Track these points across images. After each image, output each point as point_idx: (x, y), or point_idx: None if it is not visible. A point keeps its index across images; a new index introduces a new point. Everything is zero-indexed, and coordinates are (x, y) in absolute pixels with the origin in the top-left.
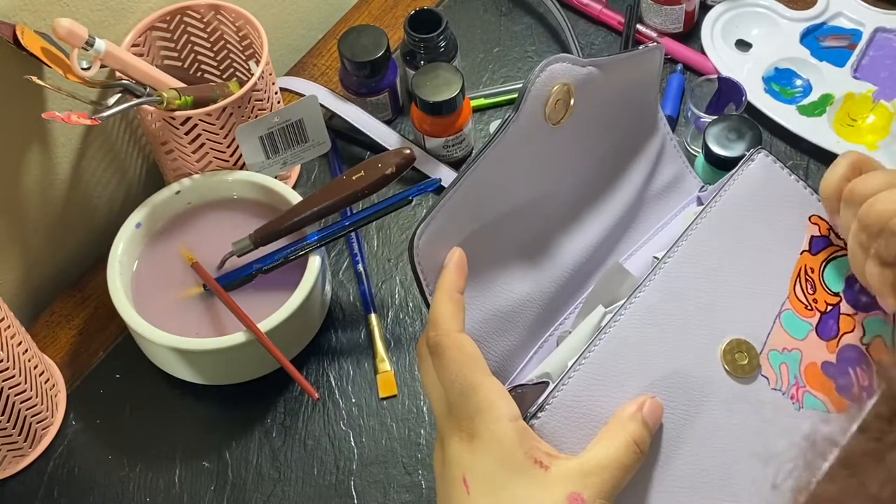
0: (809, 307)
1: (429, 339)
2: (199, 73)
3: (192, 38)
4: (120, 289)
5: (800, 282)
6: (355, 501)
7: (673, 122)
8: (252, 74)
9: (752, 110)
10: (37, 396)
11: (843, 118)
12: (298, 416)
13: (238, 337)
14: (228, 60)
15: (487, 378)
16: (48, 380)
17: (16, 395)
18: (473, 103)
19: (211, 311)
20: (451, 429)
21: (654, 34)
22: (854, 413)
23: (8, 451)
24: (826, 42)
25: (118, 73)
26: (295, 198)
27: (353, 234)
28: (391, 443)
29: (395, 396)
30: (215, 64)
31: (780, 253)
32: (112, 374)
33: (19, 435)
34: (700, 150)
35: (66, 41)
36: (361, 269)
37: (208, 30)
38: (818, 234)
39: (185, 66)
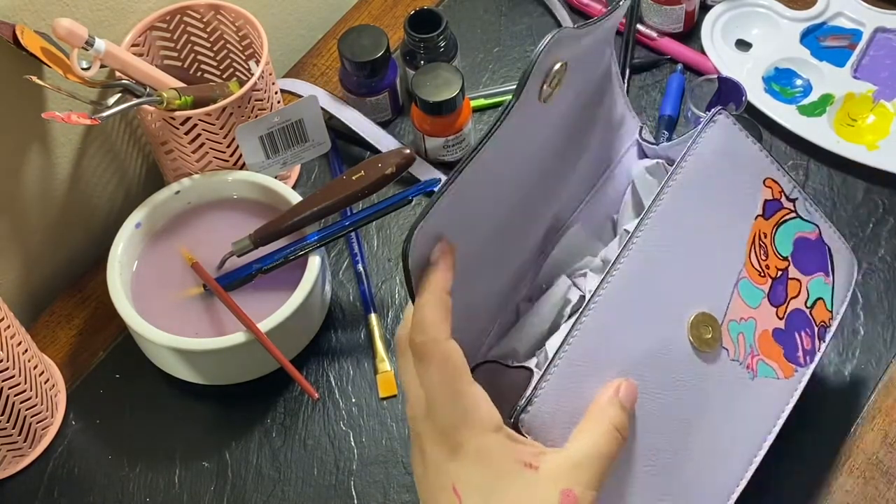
0: (762, 273)
1: (413, 341)
2: (199, 73)
3: (192, 38)
4: (120, 289)
5: (754, 248)
6: (355, 501)
7: (673, 122)
8: (252, 74)
9: (752, 110)
10: (37, 396)
11: (844, 118)
12: (298, 416)
13: (238, 337)
14: (228, 60)
15: (471, 387)
16: (48, 380)
17: (16, 395)
18: (473, 103)
19: (211, 311)
20: (432, 435)
21: (654, 34)
22: (798, 377)
23: (8, 451)
24: (826, 42)
25: (118, 73)
26: (295, 198)
27: (353, 234)
28: (391, 443)
29: (395, 396)
30: (215, 64)
31: (738, 218)
32: (112, 374)
33: (19, 435)
34: None
35: (65, 41)
36: (361, 269)
37: (208, 30)
38: (771, 197)
39: (185, 66)
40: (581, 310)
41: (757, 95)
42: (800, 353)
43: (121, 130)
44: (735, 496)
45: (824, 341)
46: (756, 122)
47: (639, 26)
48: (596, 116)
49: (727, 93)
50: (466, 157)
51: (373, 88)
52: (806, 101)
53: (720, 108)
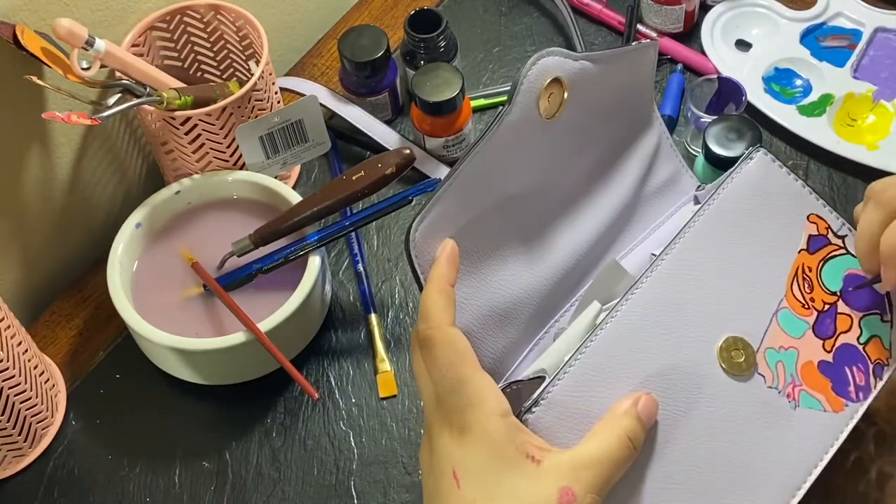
0: (806, 306)
1: (419, 332)
2: (199, 73)
3: (192, 38)
4: (120, 289)
5: (797, 280)
6: (355, 501)
7: (673, 122)
8: (252, 74)
9: (752, 110)
10: (37, 396)
11: (843, 118)
12: (298, 416)
13: (238, 337)
14: (228, 60)
15: (477, 372)
16: (48, 380)
17: (16, 395)
18: (473, 103)
19: (211, 311)
20: (439, 422)
21: (653, 34)
22: (850, 412)
23: (8, 451)
24: (826, 42)
25: (118, 73)
26: (295, 198)
27: (353, 234)
28: (391, 443)
29: (395, 396)
30: (215, 64)
31: (777, 251)
32: (112, 374)
33: (19, 435)
34: (700, 150)
35: (66, 41)
36: (361, 269)
37: (208, 30)
38: (816, 233)
39: (185, 66)
40: (600, 322)
41: (757, 95)
42: (851, 388)
43: (121, 130)
44: None
45: (881, 379)
46: (756, 122)
47: (639, 26)
48: (631, 162)
49: (727, 93)
50: (463, 157)
51: (373, 88)
52: (806, 102)
53: (759, 145)
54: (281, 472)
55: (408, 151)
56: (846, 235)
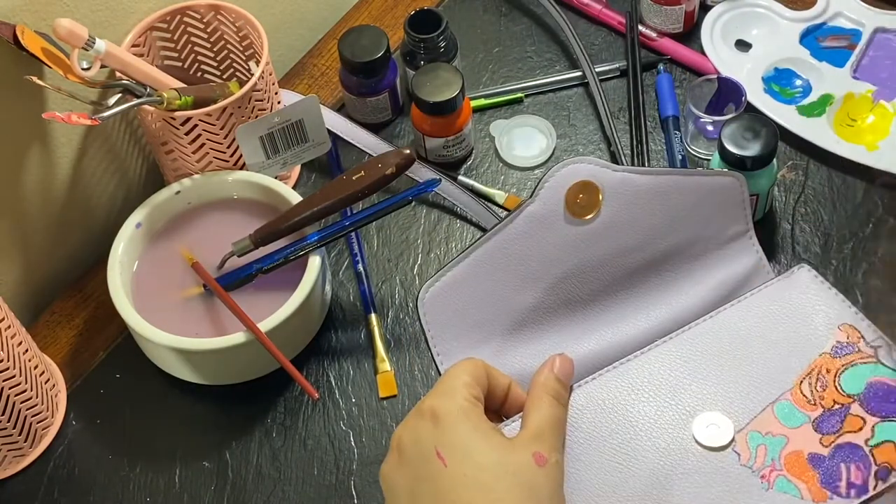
0: (813, 402)
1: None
2: (199, 73)
3: (193, 39)
4: (120, 289)
5: (810, 379)
6: (355, 501)
7: (675, 121)
8: (252, 74)
9: (752, 110)
10: (37, 396)
11: (843, 118)
12: (298, 416)
13: (238, 337)
14: (228, 60)
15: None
16: (48, 380)
17: (16, 395)
18: (473, 103)
19: (211, 311)
20: (414, 416)
21: (654, 34)
22: None
23: (8, 451)
24: (826, 42)
25: (118, 74)
26: (295, 198)
27: (353, 234)
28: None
29: (395, 396)
30: (215, 64)
31: (797, 351)
32: (112, 374)
33: (19, 435)
34: (700, 150)
35: (66, 41)
36: (361, 269)
37: (208, 30)
38: (845, 341)
39: (185, 66)
40: (590, 379)
41: (757, 96)
42: (842, 484)
43: (121, 131)
44: None
45: (884, 482)
46: (770, 120)
47: (639, 26)
48: (722, 290)
49: (727, 93)
50: (483, 236)
51: (373, 88)
52: (805, 102)
53: (804, 264)
54: (281, 472)
55: (408, 151)
56: (879, 346)
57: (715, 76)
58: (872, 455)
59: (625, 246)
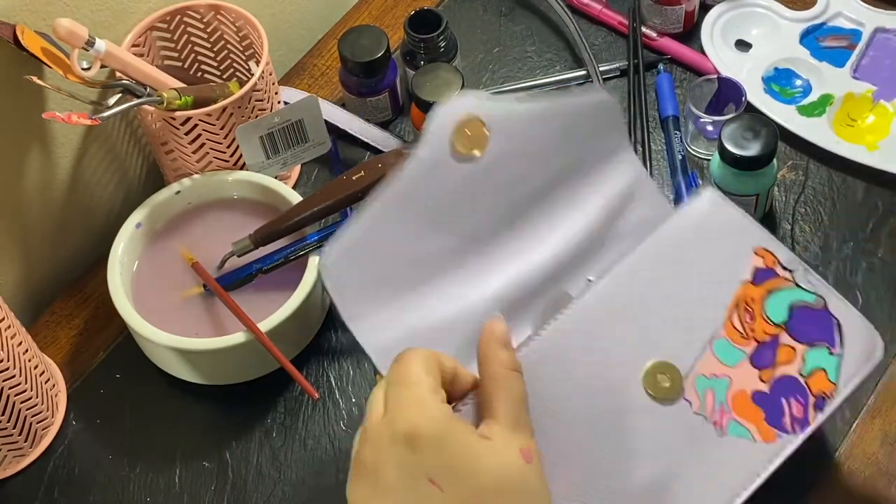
0: (745, 336)
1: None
2: (199, 73)
3: (192, 39)
4: (120, 289)
5: (738, 311)
6: None
7: (675, 121)
8: (252, 74)
9: (752, 110)
10: (37, 396)
11: (843, 118)
12: (298, 416)
13: (238, 337)
14: (228, 60)
15: (434, 395)
16: (48, 380)
17: (16, 395)
18: None
19: (211, 311)
20: (387, 442)
21: (654, 34)
22: (783, 444)
23: (8, 451)
24: (826, 42)
25: (118, 74)
26: (295, 198)
27: None
28: None
29: None
30: (215, 64)
31: (719, 282)
32: (112, 374)
33: (19, 435)
34: (700, 150)
35: (66, 41)
36: None
37: (208, 30)
38: (763, 266)
39: (185, 66)
40: (521, 344)
41: (757, 95)
42: (786, 419)
43: (121, 130)
44: None
45: (822, 412)
46: (769, 119)
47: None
48: (592, 201)
49: (727, 93)
50: (373, 192)
51: (373, 88)
52: (806, 102)
53: (707, 185)
54: (281, 472)
55: (408, 151)
56: (796, 270)
57: (715, 76)
58: (808, 385)
59: (516, 176)
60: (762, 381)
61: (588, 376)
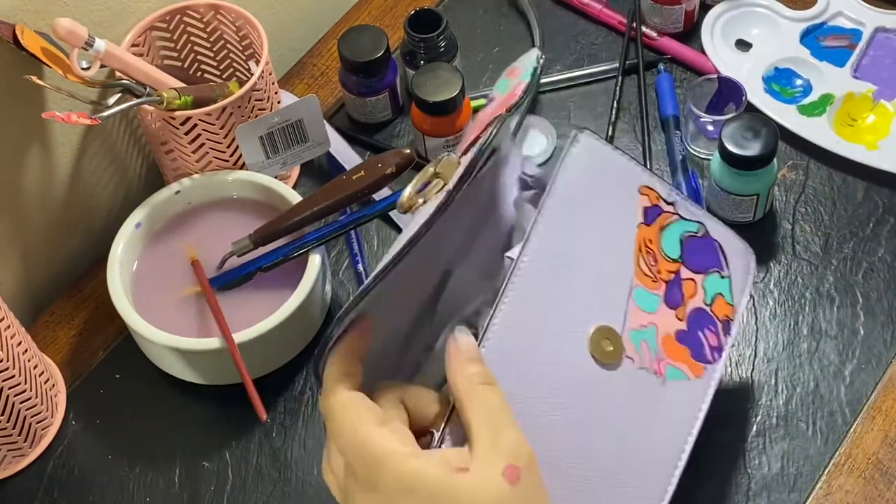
0: (655, 279)
1: (321, 406)
2: (199, 73)
3: (192, 38)
4: (120, 289)
5: (642, 255)
6: None
7: (675, 121)
8: (252, 74)
9: (753, 110)
10: (37, 396)
11: (844, 118)
12: (298, 416)
13: (238, 337)
14: (228, 60)
15: (377, 429)
16: (48, 380)
17: (16, 395)
18: (473, 103)
19: (211, 312)
20: (363, 494)
21: (654, 34)
22: (709, 375)
23: (8, 451)
24: (826, 42)
25: (118, 73)
26: (295, 198)
27: (353, 234)
28: None
29: None
30: (215, 64)
31: (620, 230)
32: (112, 374)
33: (19, 435)
34: (700, 150)
35: (65, 41)
36: (361, 269)
37: (208, 30)
38: (649, 204)
39: (185, 66)
40: (479, 338)
41: (757, 95)
42: (706, 351)
43: (121, 130)
44: (668, 498)
45: (730, 335)
46: (769, 118)
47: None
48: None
49: (727, 93)
50: (404, 248)
51: (373, 88)
52: (806, 101)
53: (584, 127)
54: (281, 472)
55: (408, 151)
56: (676, 201)
57: (715, 76)
58: (713, 313)
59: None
60: (679, 319)
61: (538, 360)
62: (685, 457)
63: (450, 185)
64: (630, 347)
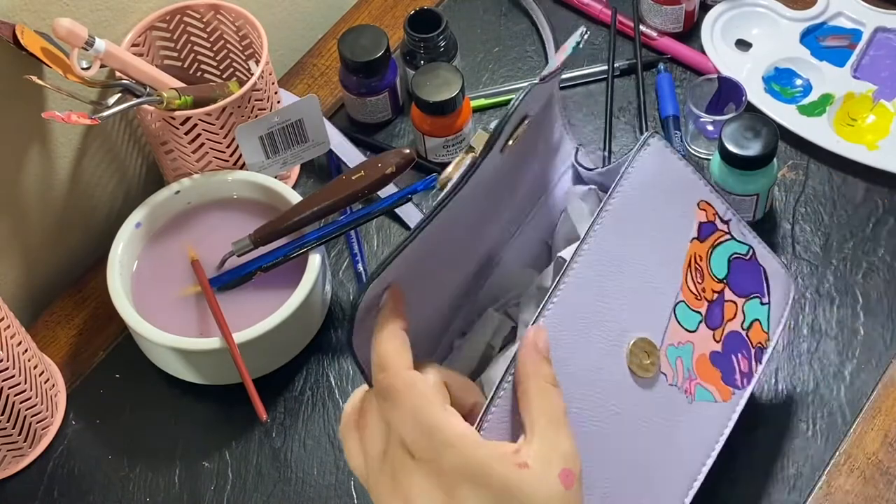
0: (699, 297)
1: (376, 380)
2: (199, 73)
3: (192, 38)
4: (120, 289)
5: (690, 271)
6: (355, 501)
7: (675, 121)
8: (252, 74)
9: (752, 110)
10: (37, 396)
11: (843, 118)
12: (298, 416)
13: (238, 337)
14: (228, 60)
15: (444, 412)
16: (48, 380)
17: (16, 395)
18: (473, 103)
19: (211, 312)
20: (419, 478)
21: (654, 34)
22: (736, 400)
23: (8, 451)
24: (826, 42)
25: (118, 73)
26: (295, 198)
27: (353, 233)
28: None
29: None
30: (215, 64)
31: (674, 242)
32: (112, 374)
33: (19, 435)
34: (700, 150)
35: (66, 41)
36: (361, 268)
37: (208, 30)
38: (705, 220)
39: (185, 66)
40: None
41: (757, 95)
42: (737, 376)
43: (121, 130)
44: None
45: (761, 363)
46: (770, 119)
47: (641, 27)
48: (535, 146)
49: (727, 93)
50: (431, 212)
51: (373, 88)
52: (806, 101)
53: (653, 131)
54: (281, 472)
55: (408, 151)
56: (731, 220)
57: (715, 76)
58: (748, 338)
59: (515, 169)
60: (716, 341)
61: (576, 365)
62: (701, 478)
63: (476, 153)
64: (665, 363)
